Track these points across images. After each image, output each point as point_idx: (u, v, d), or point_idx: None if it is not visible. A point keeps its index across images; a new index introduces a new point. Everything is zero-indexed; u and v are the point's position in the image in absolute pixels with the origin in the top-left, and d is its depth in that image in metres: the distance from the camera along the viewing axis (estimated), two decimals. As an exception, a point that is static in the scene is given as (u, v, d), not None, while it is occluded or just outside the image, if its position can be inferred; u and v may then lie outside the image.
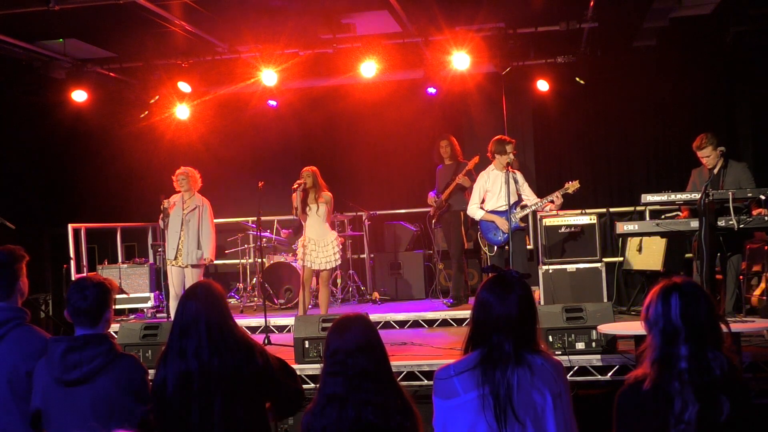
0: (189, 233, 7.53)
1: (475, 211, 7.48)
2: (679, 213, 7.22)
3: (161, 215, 7.62)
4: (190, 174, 7.70)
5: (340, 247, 7.60)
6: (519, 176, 7.37)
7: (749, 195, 5.54)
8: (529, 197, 7.34)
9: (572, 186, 7.11)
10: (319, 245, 7.42)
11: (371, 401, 2.55)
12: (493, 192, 7.38)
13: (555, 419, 2.42)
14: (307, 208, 7.45)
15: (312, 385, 5.79)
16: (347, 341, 2.61)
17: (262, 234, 7.41)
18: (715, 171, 6.25)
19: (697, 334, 2.33)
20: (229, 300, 9.43)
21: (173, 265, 7.58)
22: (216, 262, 10.71)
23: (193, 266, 7.55)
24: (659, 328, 2.38)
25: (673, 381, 2.31)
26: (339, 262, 7.61)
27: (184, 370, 2.90)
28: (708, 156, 6.22)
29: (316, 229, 7.45)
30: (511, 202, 7.12)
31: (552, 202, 7.12)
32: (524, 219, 7.34)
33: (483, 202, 7.49)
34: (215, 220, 7.91)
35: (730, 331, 2.51)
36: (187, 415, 2.88)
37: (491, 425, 2.39)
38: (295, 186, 7.44)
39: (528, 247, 8.43)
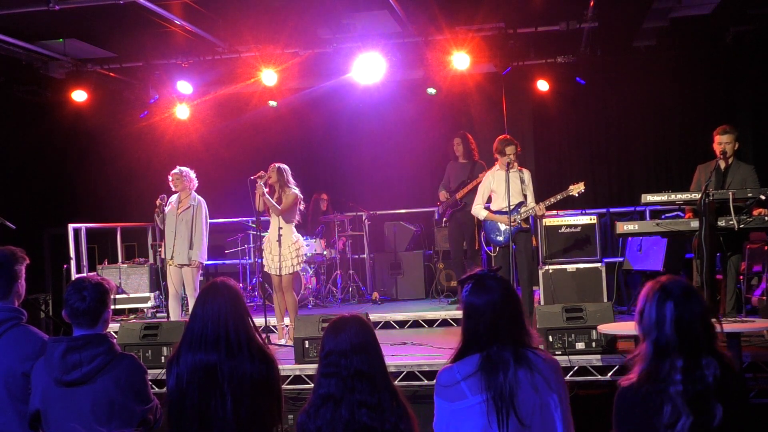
0: (182, 233, 7.46)
1: (479, 211, 7.32)
2: (679, 213, 7.22)
3: (156, 211, 7.56)
4: (184, 173, 7.59)
5: (302, 253, 7.04)
6: (526, 176, 7.19)
7: (749, 195, 5.54)
8: (529, 200, 7.18)
9: (576, 188, 7.01)
10: (276, 248, 6.88)
11: (366, 402, 2.54)
12: (498, 192, 7.17)
13: (559, 417, 2.42)
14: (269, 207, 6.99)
15: (311, 386, 5.79)
16: (341, 342, 2.60)
17: (262, 234, 7.35)
18: (723, 166, 6.24)
19: (690, 344, 2.31)
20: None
21: (170, 265, 7.54)
22: (216, 262, 10.77)
23: (186, 266, 7.43)
24: (652, 339, 2.36)
25: (666, 391, 2.29)
26: (297, 268, 6.99)
27: (205, 362, 2.89)
28: (728, 143, 6.18)
29: (276, 231, 6.91)
30: (517, 201, 7.02)
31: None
32: (527, 220, 7.10)
33: (488, 202, 7.40)
34: (212, 220, 7.83)
35: (723, 329, 2.50)
36: (205, 408, 2.86)
37: (495, 429, 2.39)
38: (254, 177, 6.95)
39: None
